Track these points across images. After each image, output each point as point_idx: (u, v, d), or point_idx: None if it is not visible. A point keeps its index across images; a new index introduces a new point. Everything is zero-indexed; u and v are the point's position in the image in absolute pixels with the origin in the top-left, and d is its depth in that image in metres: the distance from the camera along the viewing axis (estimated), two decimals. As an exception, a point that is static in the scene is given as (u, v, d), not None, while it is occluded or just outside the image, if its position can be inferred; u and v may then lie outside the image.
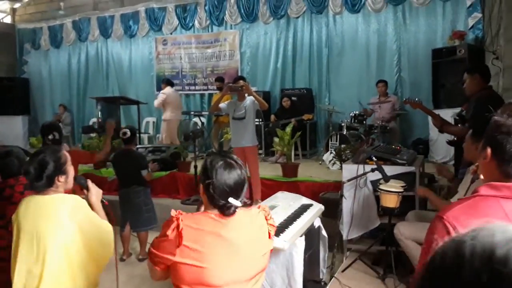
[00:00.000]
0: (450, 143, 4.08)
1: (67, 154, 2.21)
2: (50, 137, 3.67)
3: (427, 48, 7.26)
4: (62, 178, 2.12)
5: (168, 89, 8.23)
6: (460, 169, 3.69)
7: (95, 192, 2.25)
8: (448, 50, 6.64)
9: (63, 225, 2.00)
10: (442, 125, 3.75)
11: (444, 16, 7.38)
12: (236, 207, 1.62)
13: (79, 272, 2.04)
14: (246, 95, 5.34)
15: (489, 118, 1.25)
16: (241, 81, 5.30)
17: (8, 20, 12.03)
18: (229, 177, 1.62)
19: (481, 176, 1.31)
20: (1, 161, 2.79)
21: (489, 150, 1.22)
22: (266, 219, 1.75)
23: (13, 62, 11.86)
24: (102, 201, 2.28)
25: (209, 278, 1.56)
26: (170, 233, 1.57)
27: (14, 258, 2.06)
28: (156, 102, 8.18)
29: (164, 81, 8.44)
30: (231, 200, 1.60)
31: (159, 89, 9.89)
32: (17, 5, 11.96)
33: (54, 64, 11.42)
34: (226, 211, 1.61)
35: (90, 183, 2.27)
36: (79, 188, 2.30)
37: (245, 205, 1.70)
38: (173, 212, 1.63)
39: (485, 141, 1.25)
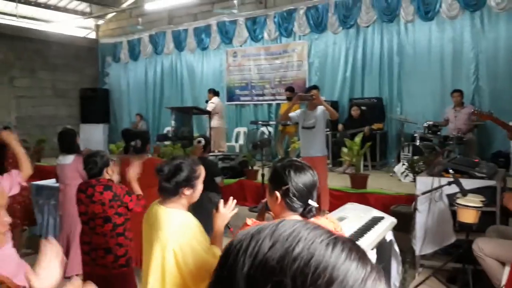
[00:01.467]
0: None
1: (203, 170, 2.10)
2: (133, 143, 3.92)
3: (509, 56, 6.86)
4: (188, 191, 2.01)
5: (215, 99, 8.67)
6: None
7: (222, 215, 2.08)
8: (532, 57, 6.22)
9: (166, 242, 1.90)
10: None
11: (527, 20, 6.93)
12: (316, 208, 1.61)
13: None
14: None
15: None
16: (313, 91, 5.33)
17: (92, 35, 13.03)
18: (304, 178, 1.62)
19: None
20: (87, 159, 3.05)
21: None
22: (335, 231, 1.66)
23: (96, 74, 12.82)
24: (227, 226, 2.13)
25: None
26: None
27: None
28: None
29: (211, 91, 8.88)
30: (311, 202, 1.59)
31: (229, 99, 10.22)
32: (100, 22, 12.94)
33: (132, 76, 12.17)
34: (308, 214, 1.59)
35: (221, 205, 2.10)
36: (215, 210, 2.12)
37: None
38: (248, 221, 1.64)
39: None
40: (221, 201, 2.12)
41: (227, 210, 2.08)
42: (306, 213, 1.60)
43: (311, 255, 0.49)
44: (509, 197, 2.76)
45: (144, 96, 11.86)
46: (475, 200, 3.05)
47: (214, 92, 8.91)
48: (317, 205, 1.62)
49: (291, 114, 5.51)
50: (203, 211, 4.71)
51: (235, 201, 2.12)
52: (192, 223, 1.99)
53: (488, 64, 7.31)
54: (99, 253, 2.92)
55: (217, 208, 2.08)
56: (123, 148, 5.24)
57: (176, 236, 1.90)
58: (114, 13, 12.39)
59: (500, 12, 7.14)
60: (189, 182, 2.02)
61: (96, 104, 11.78)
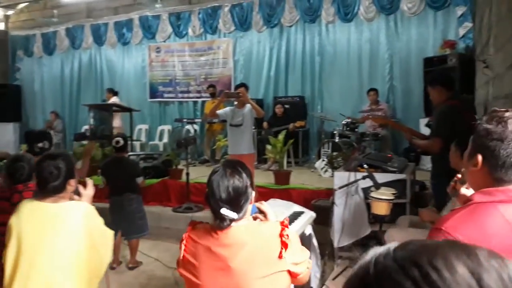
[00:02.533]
0: (422, 153, 4.09)
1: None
2: (40, 145, 3.63)
3: (419, 57, 7.33)
4: (72, 182, 2.10)
5: (114, 99, 8.55)
6: (432, 180, 3.68)
7: (87, 198, 2.22)
8: (439, 59, 6.70)
9: (73, 234, 1.98)
10: (411, 139, 3.75)
11: (435, 25, 7.47)
12: (232, 219, 1.53)
13: (84, 280, 2.01)
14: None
15: (472, 127, 1.25)
16: (240, 88, 5.32)
17: (1, 27, 12.00)
18: (221, 186, 1.55)
19: (462, 190, 1.30)
20: (12, 165, 2.78)
21: (480, 157, 1.21)
22: (281, 236, 1.57)
23: (5, 69, 11.81)
24: None
25: None
26: (180, 244, 1.61)
27: (14, 268, 1.98)
28: None
29: (109, 91, 8.81)
30: (223, 211, 1.52)
31: (152, 96, 9.93)
32: (10, 12, 11.94)
33: (47, 71, 11.39)
34: (220, 222, 1.54)
35: (81, 189, 2.23)
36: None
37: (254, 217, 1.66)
38: (189, 224, 1.66)
39: (474, 149, 1.24)
40: (79, 185, 2.20)
41: (86, 191, 2.18)
42: (219, 221, 1.55)
43: None
44: (422, 214, 2.89)
45: (60, 93, 11.14)
46: (387, 193, 3.20)
47: (113, 92, 8.73)
48: (236, 217, 1.53)
49: (219, 112, 5.46)
50: (123, 213, 4.54)
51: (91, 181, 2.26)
52: (90, 207, 2.10)
53: (401, 65, 7.78)
54: None
55: (79, 193, 2.16)
56: (26, 150, 4.89)
57: (87, 222, 2.00)
58: (26, 3, 11.48)
59: (411, 16, 7.63)
60: (72, 173, 2.09)
61: (5, 101, 10.82)
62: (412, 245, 0.49)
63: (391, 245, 0.51)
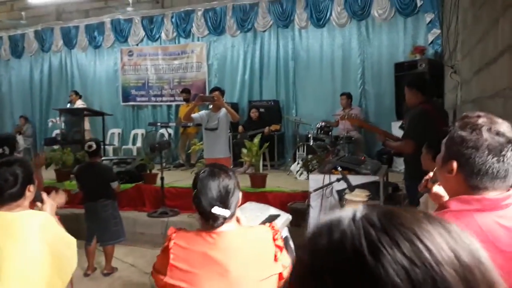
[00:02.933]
0: (394, 154, 4.22)
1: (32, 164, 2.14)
2: (0, 150, 3.50)
3: (390, 62, 7.52)
4: (32, 188, 2.04)
5: (80, 102, 8.58)
6: (406, 181, 3.81)
7: (50, 206, 2.16)
8: (409, 64, 6.88)
9: (30, 243, 1.89)
10: (385, 141, 3.86)
11: (405, 31, 7.68)
12: (225, 218, 1.54)
13: None
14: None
15: (445, 133, 1.28)
16: (215, 92, 5.33)
17: (-34, 28, 11.60)
18: (212, 185, 1.56)
19: (434, 188, 1.33)
20: None
21: (455, 164, 1.21)
22: (274, 239, 1.62)
23: (-29, 72, 11.42)
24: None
25: None
26: (163, 251, 1.55)
27: None
28: None
29: (74, 93, 8.85)
30: (215, 209, 1.52)
31: (125, 100, 9.80)
32: (-25, 14, 11.57)
33: (15, 75, 11.07)
34: (213, 222, 1.54)
35: (45, 196, 2.19)
36: (32, 201, 2.17)
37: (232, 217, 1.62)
38: (170, 231, 1.59)
39: (449, 155, 1.24)
40: (43, 193, 2.20)
41: (50, 200, 2.18)
42: (210, 221, 1.55)
43: None
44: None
45: (29, 96, 10.84)
46: (361, 195, 3.28)
47: (77, 94, 8.69)
48: (228, 215, 1.54)
49: (194, 115, 5.46)
50: (98, 219, 4.47)
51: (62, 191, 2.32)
52: (49, 216, 2.04)
53: (373, 69, 7.96)
54: None
55: (41, 201, 2.14)
56: None
57: (44, 232, 1.91)
58: (-8, 5, 11.16)
59: (382, 22, 7.82)
60: (30, 179, 2.03)
61: (-29, 105, 10.49)
62: (390, 213, 0.47)
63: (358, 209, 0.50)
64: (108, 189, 4.50)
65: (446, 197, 1.38)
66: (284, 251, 1.65)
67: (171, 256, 1.52)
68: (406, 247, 0.42)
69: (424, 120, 3.45)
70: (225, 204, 1.55)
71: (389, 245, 0.42)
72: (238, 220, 1.74)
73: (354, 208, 0.49)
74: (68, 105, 8.49)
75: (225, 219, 1.54)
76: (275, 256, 1.59)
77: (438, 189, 1.47)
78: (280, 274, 1.61)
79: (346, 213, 0.49)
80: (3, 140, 3.62)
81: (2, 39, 11.05)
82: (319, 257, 0.46)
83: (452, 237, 0.45)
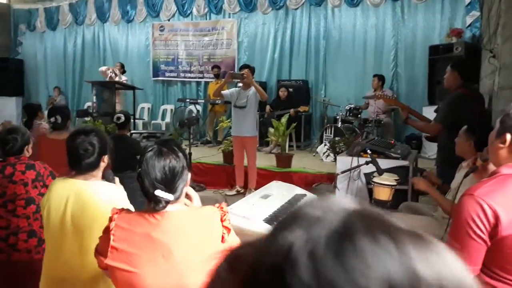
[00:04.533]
0: (428, 138, 4.13)
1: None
2: (52, 120, 3.63)
3: (424, 45, 7.31)
4: (105, 158, 2.06)
5: (123, 77, 8.42)
6: (439, 167, 3.72)
7: (197, 199, 2.15)
8: (445, 47, 6.67)
9: (102, 213, 1.91)
10: (407, 118, 3.76)
11: (442, 13, 7.42)
12: (167, 201, 1.45)
13: None
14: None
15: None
16: (245, 70, 5.31)
17: (4, 0, 11.86)
18: (157, 166, 1.45)
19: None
20: (5, 136, 2.78)
21: (508, 136, 1.44)
22: (222, 220, 1.53)
23: (7, 43, 11.71)
24: None
25: (140, 283, 1.43)
26: (104, 232, 1.49)
27: (47, 244, 2.04)
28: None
29: (122, 66, 8.65)
30: (157, 192, 1.42)
31: (155, 75, 9.89)
32: (13, -15, 11.80)
33: (50, 47, 11.30)
34: (155, 205, 1.44)
35: (116, 180, 2.20)
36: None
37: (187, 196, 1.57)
38: (112, 211, 1.52)
39: (504, 129, 1.46)
40: (116, 178, 2.22)
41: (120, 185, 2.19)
42: (153, 203, 1.46)
43: None
44: (417, 181, 2.97)
45: (62, 68, 11.08)
46: (389, 179, 3.23)
47: (123, 67, 8.65)
48: (172, 198, 1.44)
49: (224, 92, 5.47)
50: (125, 191, 4.58)
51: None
52: (121, 189, 2.10)
53: (406, 52, 7.76)
54: (20, 237, 2.68)
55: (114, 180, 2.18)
56: (24, 123, 4.89)
57: (112, 203, 1.90)
58: (29, -23, 11.34)
59: (418, 3, 7.56)
60: (105, 149, 2.04)
61: (8, 75, 10.77)
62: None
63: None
64: (135, 162, 4.55)
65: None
66: (233, 231, 1.57)
67: (112, 237, 1.44)
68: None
69: (460, 105, 3.37)
70: (169, 187, 1.45)
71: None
72: (190, 198, 1.69)
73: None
74: (112, 75, 8.50)
75: (167, 202, 1.45)
76: (222, 237, 1.51)
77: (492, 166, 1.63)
78: None
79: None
80: (56, 110, 3.76)
81: (37, 11, 11.25)
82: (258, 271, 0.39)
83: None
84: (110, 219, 1.48)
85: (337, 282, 0.35)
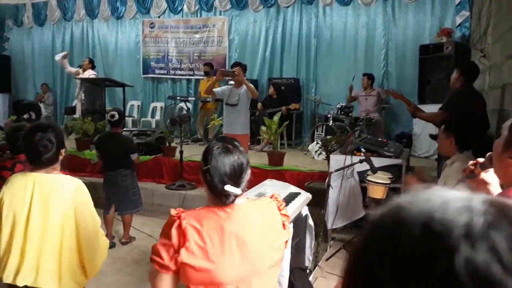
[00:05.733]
0: (432, 136, 4.19)
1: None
2: (26, 116, 3.60)
3: (415, 44, 7.36)
4: (63, 152, 2.14)
5: (91, 72, 8.23)
6: (441, 161, 3.78)
7: None
8: (435, 46, 6.73)
9: (66, 205, 2.03)
10: (415, 111, 3.87)
11: (432, 12, 7.48)
12: (236, 195, 1.52)
13: (66, 253, 2.04)
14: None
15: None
16: (236, 67, 5.29)
17: (-11, -6, 11.66)
18: (226, 162, 1.51)
19: (482, 174, 1.32)
20: (13, 134, 2.77)
21: None
22: (279, 209, 1.63)
23: (-6, 39, 11.53)
24: None
25: (218, 276, 1.47)
26: (174, 233, 1.48)
27: (9, 240, 2.03)
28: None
29: (90, 61, 8.45)
30: (227, 187, 1.48)
31: (145, 72, 9.81)
32: (-1, -20, 11.60)
33: (38, 43, 11.14)
34: (225, 199, 1.51)
35: None
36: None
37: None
38: (172, 211, 1.53)
39: None
40: None
41: None
42: (222, 198, 1.51)
43: None
44: (409, 179, 2.99)
45: (51, 65, 10.90)
46: (383, 177, 3.25)
47: (91, 63, 8.43)
48: (239, 192, 1.51)
49: (216, 90, 5.45)
50: (117, 188, 4.54)
51: None
52: (82, 183, 2.14)
53: (397, 51, 7.81)
54: None
55: None
56: (14, 120, 4.83)
57: (76, 196, 2.06)
58: (16, -29, 11.16)
59: (409, 2, 7.62)
60: (63, 143, 2.13)
61: (-7, 71, 10.62)
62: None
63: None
64: (128, 160, 4.54)
65: (492, 184, 1.34)
66: (289, 219, 1.68)
67: (187, 236, 1.46)
68: None
69: (464, 99, 3.43)
70: (237, 182, 1.52)
71: None
72: None
73: (467, 199, 0.39)
74: (77, 69, 8.39)
75: (236, 196, 1.52)
76: (283, 224, 1.62)
77: (486, 176, 1.41)
78: (286, 242, 1.65)
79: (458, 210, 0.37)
80: (29, 106, 3.71)
81: (25, 6, 11.08)
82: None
83: None
84: (178, 217, 1.50)
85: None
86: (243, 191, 1.55)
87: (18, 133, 2.75)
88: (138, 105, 9.83)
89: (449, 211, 0.37)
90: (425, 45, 6.97)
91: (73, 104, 9.57)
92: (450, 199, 0.39)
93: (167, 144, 6.58)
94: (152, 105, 9.70)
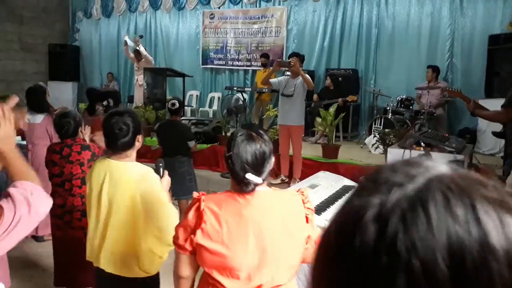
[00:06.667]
0: (496, 134, 3.95)
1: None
2: (105, 103, 3.80)
3: (483, 34, 6.94)
4: (140, 138, 2.14)
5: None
6: (505, 163, 3.55)
7: (166, 181, 2.20)
8: (506, 37, 6.33)
9: (131, 193, 2.04)
10: (475, 109, 3.63)
11: (505, 1, 7.00)
12: (256, 184, 1.49)
13: (137, 237, 2.07)
14: None
15: None
16: (292, 58, 5.26)
17: (62, -12, 12.38)
18: (248, 150, 1.49)
19: None
20: (60, 120, 2.95)
21: None
22: (303, 202, 1.59)
23: (66, 30, 12.25)
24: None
25: (231, 261, 1.48)
26: (192, 214, 1.51)
27: (88, 217, 2.20)
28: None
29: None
30: (248, 176, 1.47)
31: (204, 63, 10.01)
32: (71, -26, 12.28)
33: (104, 33, 11.70)
34: (244, 187, 1.49)
35: (166, 172, 2.23)
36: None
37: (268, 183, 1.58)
38: (195, 194, 1.57)
39: None
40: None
41: (167, 177, 2.22)
42: (242, 186, 1.49)
43: None
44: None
45: (116, 55, 11.44)
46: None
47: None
48: (260, 181, 1.49)
49: (272, 80, 5.46)
50: (174, 174, 4.68)
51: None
52: (152, 171, 2.13)
53: (463, 42, 7.40)
54: (75, 215, 2.85)
55: (161, 175, 2.19)
56: (86, 107, 5.11)
57: (140, 182, 2.05)
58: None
59: (479, -9, 7.18)
60: (139, 129, 2.14)
61: (65, 61, 11.30)
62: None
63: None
64: (185, 147, 4.68)
65: None
66: (314, 214, 1.63)
67: (204, 218, 1.48)
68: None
69: None
70: (259, 171, 1.50)
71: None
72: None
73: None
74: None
75: (256, 185, 1.50)
76: (307, 217, 1.57)
77: None
78: (309, 236, 1.59)
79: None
80: (108, 94, 3.93)
81: (94, -1, 11.65)
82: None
83: None
84: (198, 200, 1.53)
85: (400, 248, 0.36)
86: (265, 180, 1.54)
87: (64, 119, 2.94)
88: (197, 95, 10.07)
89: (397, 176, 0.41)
90: (495, 35, 6.57)
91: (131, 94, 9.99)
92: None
93: (223, 134, 6.70)
94: (210, 95, 9.89)
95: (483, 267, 0.35)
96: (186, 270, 1.58)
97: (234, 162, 1.48)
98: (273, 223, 1.51)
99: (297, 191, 1.63)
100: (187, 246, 1.52)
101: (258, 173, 1.49)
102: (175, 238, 1.56)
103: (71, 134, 2.94)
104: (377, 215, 0.38)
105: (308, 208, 1.59)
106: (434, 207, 0.37)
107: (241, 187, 1.50)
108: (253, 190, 1.50)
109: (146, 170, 2.11)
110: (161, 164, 2.24)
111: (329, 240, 0.42)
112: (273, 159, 1.57)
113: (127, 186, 2.05)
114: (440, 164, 0.42)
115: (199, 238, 1.48)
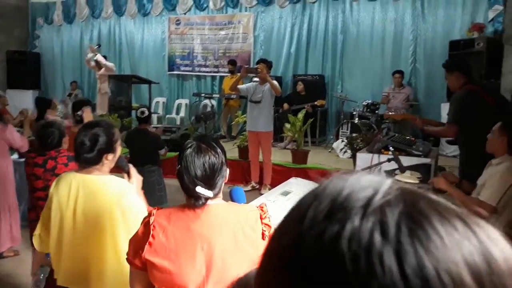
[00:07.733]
0: (449, 142, 4.07)
1: (119, 132, 2.07)
2: (79, 113, 3.65)
3: (444, 40, 7.17)
4: (110, 157, 1.96)
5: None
6: (464, 169, 3.61)
7: (137, 179, 2.10)
8: (466, 42, 6.54)
9: (110, 207, 1.89)
10: (423, 125, 3.76)
11: (464, 7, 7.27)
12: (207, 198, 1.44)
13: (115, 254, 1.93)
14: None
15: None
16: (259, 64, 5.27)
17: (21, -7, 11.95)
18: (197, 163, 1.43)
19: None
20: (44, 130, 2.81)
21: None
22: (261, 218, 1.51)
23: (25, 36, 11.80)
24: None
25: (179, 278, 1.42)
26: (141, 229, 1.46)
27: (53, 235, 1.99)
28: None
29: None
30: (198, 189, 1.41)
31: (170, 69, 9.88)
32: (30, -21, 11.87)
33: (66, 40, 11.35)
34: (195, 201, 1.43)
35: (132, 169, 2.11)
36: (117, 171, 2.10)
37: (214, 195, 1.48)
38: (149, 208, 1.52)
39: None
40: (130, 165, 2.15)
41: (136, 173, 2.13)
42: (193, 200, 1.44)
43: None
44: (437, 180, 2.89)
45: (79, 62, 11.09)
46: (412, 177, 3.17)
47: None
48: (211, 195, 1.43)
49: (240, 87, 5.44)
50: (145, 184, 4.56)
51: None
52: (128, 184, 2.02)
53: (425, 47, 7.63)
54: None
55: (128, 173, 2.10)
56: (36, 117, 4.95)
57: (120, 198, 1.90)
58: (46, -30, 11.40)
59: (439, -3, 7.42)
60: (110, 147, 1.97)
61: (25, 68, 10.87)
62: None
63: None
64: (155, 156, 4.58)
65: None
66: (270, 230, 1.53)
67: (151, 232, 1.43)
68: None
69: (471, 102, 3.30)
70: (209, 184, 1.43)
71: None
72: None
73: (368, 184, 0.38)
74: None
75: (207, 199, 1.44)
76: (263, 234, 1.48)
77: None
78: None
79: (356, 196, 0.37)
80: (80, 104, 3.79)
81: (55, 4, 11.30)
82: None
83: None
84: (149, 215, 1.47)
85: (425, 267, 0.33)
86: (216, 194, 1.47)
87: (48, 130, 2.80)
88: (163, 102, 9.91)
89: (356, 188, 0.38)
90: (455, 41, 6.79)
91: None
92: (362, 180, 0.40)
93: (192, 141, 6.60)
94: (177, 102, 9.76)
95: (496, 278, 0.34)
96: (137, 287, 1.52)
97: (183, 176, 1.42)
98: (223, 239, 1.44)
99: (257, 207, 1.56)
100: (137, 261, 1.46)
101: (209, 186, 1.43)
102: (127, 253, 1.50)
103: (55, 145, 2.80)
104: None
105: (266, 224, 1.50)
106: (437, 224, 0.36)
107: (192, 201, 1.44)
108: (204, 203, 1.44)
109: (124, 186, 1.98)
110: (124, 163, 2.14)
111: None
112: (226, 171, 1.50)
113: (105, 202, 1.90)
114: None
115: (147, 253, 1.42)
